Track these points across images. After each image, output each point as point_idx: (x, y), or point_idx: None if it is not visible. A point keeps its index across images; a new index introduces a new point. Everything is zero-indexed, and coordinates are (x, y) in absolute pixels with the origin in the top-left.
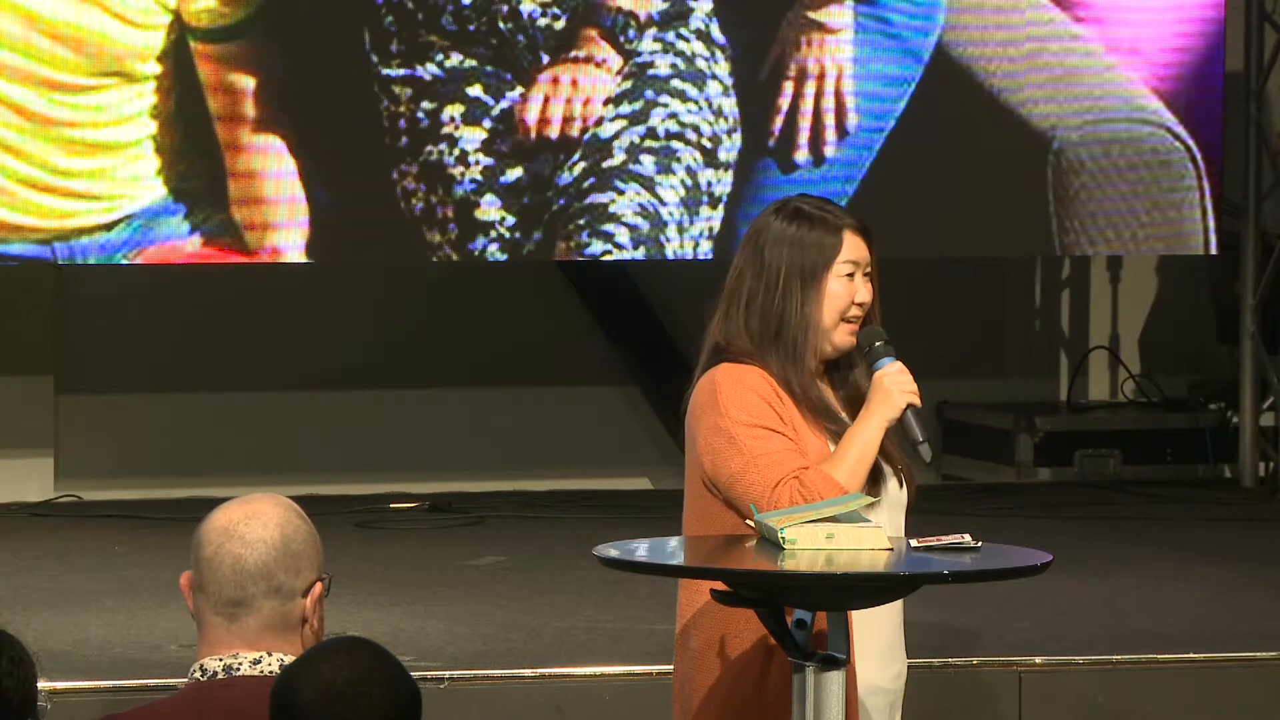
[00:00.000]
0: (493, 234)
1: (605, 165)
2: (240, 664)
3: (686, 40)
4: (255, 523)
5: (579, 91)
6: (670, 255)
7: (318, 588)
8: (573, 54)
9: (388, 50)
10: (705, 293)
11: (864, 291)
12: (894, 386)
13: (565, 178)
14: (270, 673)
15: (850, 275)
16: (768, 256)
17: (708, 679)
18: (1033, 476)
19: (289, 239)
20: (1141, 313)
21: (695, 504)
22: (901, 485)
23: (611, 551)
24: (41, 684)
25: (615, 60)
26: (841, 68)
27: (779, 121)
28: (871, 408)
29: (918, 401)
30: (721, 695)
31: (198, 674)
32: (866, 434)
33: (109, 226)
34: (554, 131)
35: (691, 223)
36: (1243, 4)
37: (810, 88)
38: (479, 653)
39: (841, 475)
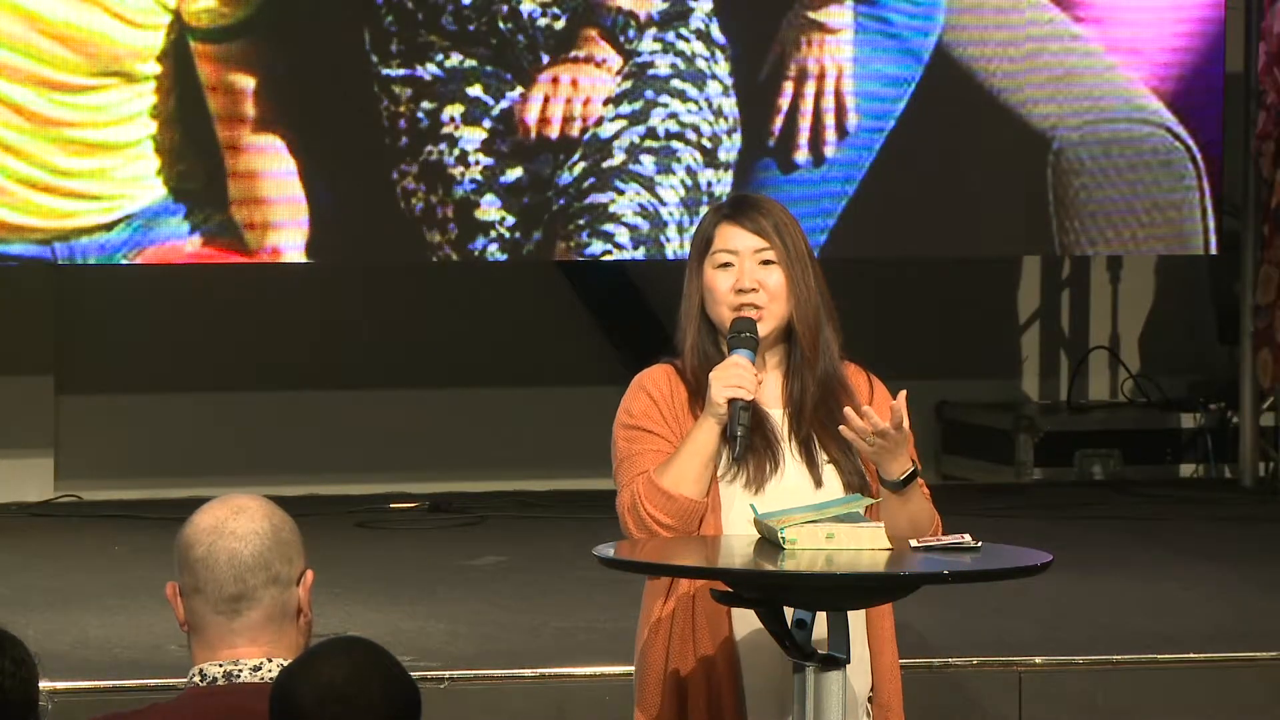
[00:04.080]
0: (493, 234)
1: (605, 165)
2: (241, 670)
3: (686, 40)
4: (243, 516)
5: (579, 91)
6: (670, 255)
7: (309, 575)
8: (573, 54)
9: (388, 50)
10: None
11: (745, 279)
12: (716, 381)
13: (565, 178)
14: (270, 679)
15: (726, 265)
16: None
17: (657, 676)
18: (1032, 476)
19: (289, 239)
20: (1141, 313)
21: None
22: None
23: (611, 551)
24: (42, 684)
25: (615, 60)
26: (841, 68)
27: (779, 121)
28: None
29: (744, 395)
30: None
31: (196, 679)
32: (694, 433)
33: (109, 226)
34: (554, 131)
35: (691, 223)
36: (1243, 4)
37: (810, 88)
38: (479, 653)
39: (667, 478)
